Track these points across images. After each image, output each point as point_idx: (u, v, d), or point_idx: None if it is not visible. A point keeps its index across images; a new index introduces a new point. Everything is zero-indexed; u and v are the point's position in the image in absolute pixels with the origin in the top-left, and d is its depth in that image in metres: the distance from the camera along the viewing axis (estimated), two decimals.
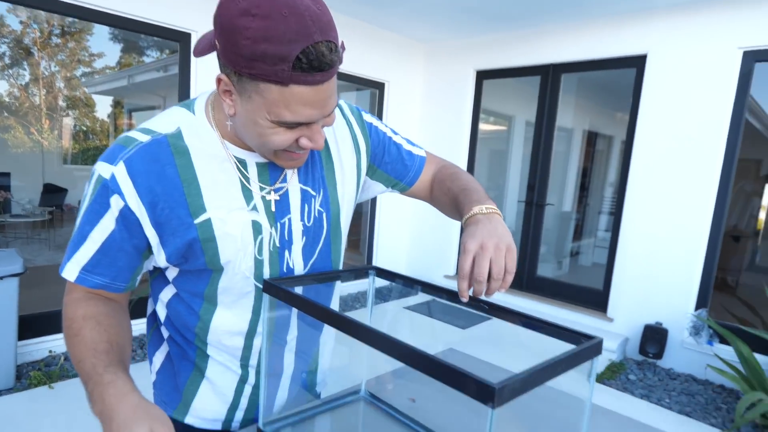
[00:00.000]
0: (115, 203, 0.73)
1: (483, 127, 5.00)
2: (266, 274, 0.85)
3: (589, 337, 0.66)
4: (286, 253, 0.87)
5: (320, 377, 1.06)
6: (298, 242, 0.88)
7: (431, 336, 3.88)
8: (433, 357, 0.55)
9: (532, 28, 4.27)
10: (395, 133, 1.03)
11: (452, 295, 0.81)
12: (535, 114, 4.44)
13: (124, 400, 0.65)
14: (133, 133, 0.77)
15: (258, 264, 0.84)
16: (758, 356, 3.02)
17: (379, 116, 4.91)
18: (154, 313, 0.94)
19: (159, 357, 0.95)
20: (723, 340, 3.33)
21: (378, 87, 4.89)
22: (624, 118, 3.92)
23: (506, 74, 4.61)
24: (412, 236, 5.32)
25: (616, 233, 3.89)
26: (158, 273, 0.88)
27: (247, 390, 0.94)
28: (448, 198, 0.95)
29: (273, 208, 0.84)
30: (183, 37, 3.51)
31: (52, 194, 6.27)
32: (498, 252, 0.72)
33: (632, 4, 3.57)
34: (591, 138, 6.11)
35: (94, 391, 0.67)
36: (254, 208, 0.82)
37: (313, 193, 0.89)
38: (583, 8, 3.72)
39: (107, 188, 0.73)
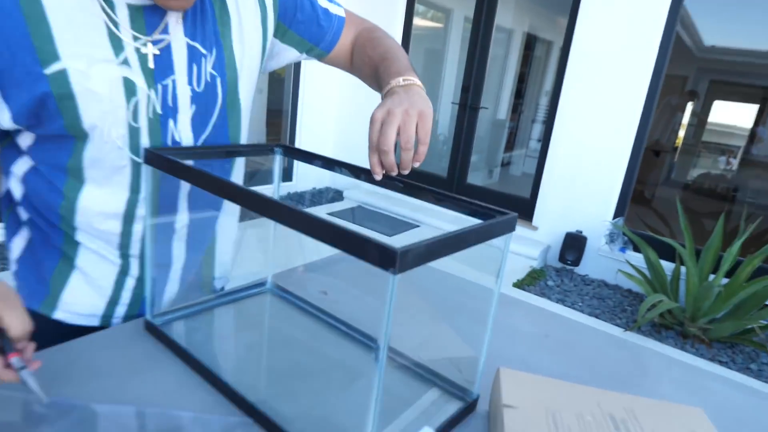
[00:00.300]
0: None
1: (418, 22, 4.69)
2: (144, 145, 0.72)
3: (503, 213, 0.58)
4: (171, 123, 0.74)
5: (219, 271, 0.94)
6: (185, 111, 0.74)
7: None
8: (338, 226, 0.45)
9: None
10: None
11: (369, 175, 0.71)
12: (474, 10, 4.17)
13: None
14: None
15: (133, 132, 0.71)
16: (664, 263, 3.23)
17: None
18: (9, 192, 0.77)
19: (18, 243, 0.80)
20: (636, 249, 3.53)
21: None
22: (564, 22, 3.78)
23: None
24: (339, 116, 4.89)
25: (547, 142, 3.90)
26: (8, 141, 0.72)
27: (129, 283, 0.82)
28: (369, 67, 0.85)
29: (151, 65, 0.69)
30: None
31: None
32: (408, 118, 0.66)
33: None
34: (530, 41, 5.91)
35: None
36: (125, 62, 0.67)
37: (204, 51, 0.74)
38: None
39: None
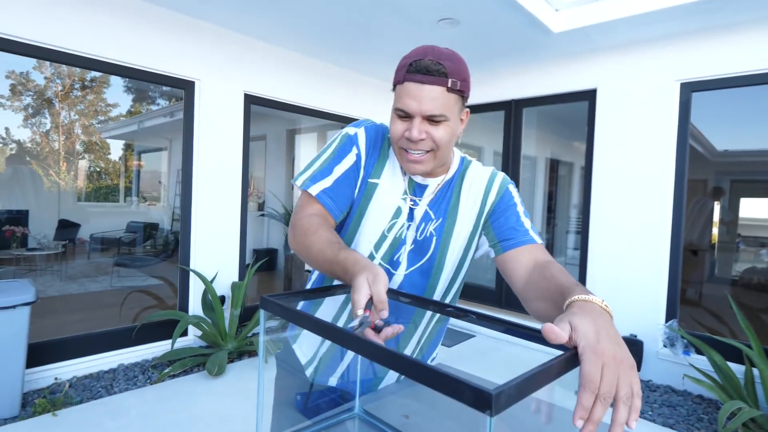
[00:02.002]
0: (354, 150, 1.00)
1: None
2: (382, 251, 1.00)
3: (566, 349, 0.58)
4: (402, 249, 1.01)
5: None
6: (408, 245, 1.02)
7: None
8: (430, 366, 0.46)
9: (493, 71, 4.40)
10: (526, 215, 1.04)
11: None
12: (501, 145, 4.54)
13: (361, 258, 0.79)
14: (370, 120, 1.07)
15: (382, 238, 1.01)
16: (731, 365, 2.91)
17: None
18: None
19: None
20: (697, 351, 3.22)
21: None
22: (581, 146, 3.95)
23: (474, 110, 4.65)
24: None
25: (585, 251, 3.83)
26: None
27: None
28: (551, 284, 0.80)
29: (408, 211, 1.02)
30: (188, 85, 3.50)
31: (66, 229, 6.12)
32: (623, 369, 0.55)
33: (580, 45, 3.68)
34: (553, 165, 6.18)
35: (348, 257, 0.80)
36: (403, 200, 1.01)
37: (433, 217, 1.02)
38: (537, 51, 3.86)
39: (352, 140, 1.01)
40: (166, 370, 3.02)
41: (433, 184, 1.03)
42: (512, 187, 1.06)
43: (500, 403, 0.41)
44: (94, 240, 6.39)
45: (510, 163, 4.43)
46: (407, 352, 1.09)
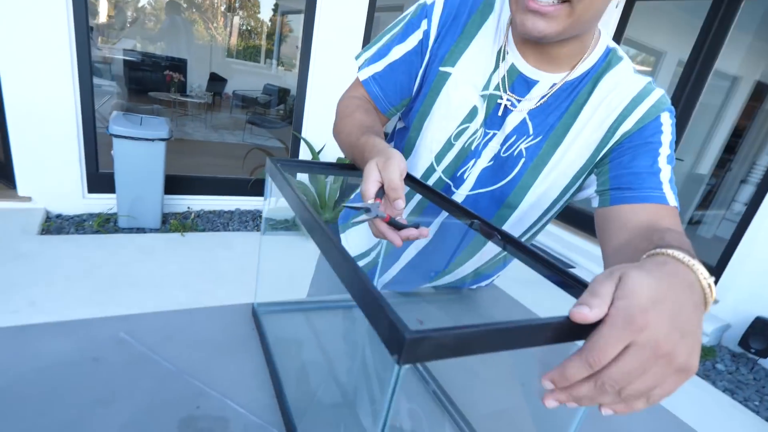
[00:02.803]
0: (423, 26, 0.73)
1: None
2: (445, 163, 0.78)
3: None
4: (472, 163, 0.77)
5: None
6: (483, 162, 0.76)
7: None
8: (366, 285, 0.35)
9: None
10: (670, 161, 0.67)
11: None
12: (690, 51, 3.21)
13: (379, 143, 0.64)
14: None
15: (447, 146, 0.77)
16: None
17: None
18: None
19: None
20: None
21: None
22: None
23: None
24: None
25: (755, 207, 2.96)
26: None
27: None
28: (650, 246, 0.49)
29: (489, 111, 0.74)
30: None
31: (215, 82, 6.62)
32: (664, 367, 0.34)
33: None
34: (760, 90, 4.45)
35: (364, 146, 0.66)
36: (483, 98, 0.73)
37: (531, 131, 0.72)
38: None
39: (425, 11, 0.74)
40: (271, 223, 3.30)
41: (547, 83, 0.70)
42: (667, 117, 0.68)
43: (415, 352, 0.30)
44: (236, 96, 6.89)
45: (693, 78, 3.21)
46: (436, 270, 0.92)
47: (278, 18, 8.27)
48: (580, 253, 3.69)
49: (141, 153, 2.74)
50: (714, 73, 3.17)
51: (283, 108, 6.63)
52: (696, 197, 4.71)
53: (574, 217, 4.00)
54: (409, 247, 0.89)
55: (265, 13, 8.60)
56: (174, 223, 3.04)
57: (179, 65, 6.18)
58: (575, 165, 0.72)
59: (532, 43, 0.68)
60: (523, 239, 0.83)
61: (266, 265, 0.79)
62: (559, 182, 0.74)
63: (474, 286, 1.01)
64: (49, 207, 2.87)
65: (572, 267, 3.63)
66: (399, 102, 0.79)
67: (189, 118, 6.06)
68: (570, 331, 0.35)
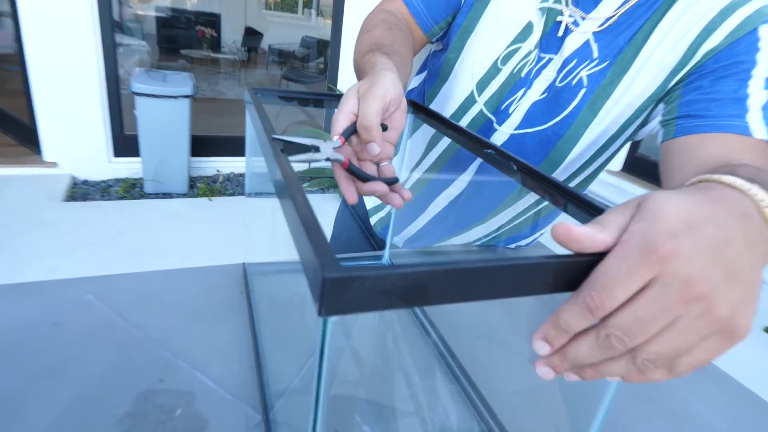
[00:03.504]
0: None
1: None
2: (488, 92, 0.70)
3: None
4: (520, 94, 0.68)
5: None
6: (534, 93, 0.68)
7: None
8: (295, 195, 0.27)
9: None
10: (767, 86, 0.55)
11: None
12: None
13: (379, 63, 0.55)
14: None
15: (491, 72, 0.69)
16: None
17: None
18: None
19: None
20: None
21: None
22: None
23: None
24: None
25: None
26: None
27: None
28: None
29: (546, 30, 0.65)
30: None
31: (251, 37, 6.65)
32: (698, 314, 0.25)
33: None
34: None
35: (365, 65, 0.58)
36: (540, 11, 0.65)
37: (596, 54, 0.64)
38: None
39: None
40: (305, 184, 3.29)
41: (616, 0, 0.62)
42: (765, 28, 0.55)
43: (342, 298, 0.21)
44: (272, 51, 6.88)
45: None
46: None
47: None
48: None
49: (164, 112, 2.77)
50: None
51: (323, 61, 6.56)
52: None
53: (643, 167, 3.68)
54: (439, 196, 0.81)
55: None
56: (201, 187, 3.10)
57: (212, 20, 6.25)
58: (643, 94, 0.63)
59: None
60: (571, 184, 0.73)
61: (254, 224, 0.73)
62: (623, 115, 0.65)
63: (513, 245, 0.94)
64: (75, 173, 3.01)
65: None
66: (444, 18, 0.71)
67: (222, 75, 6.15)
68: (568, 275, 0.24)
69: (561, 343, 0.27)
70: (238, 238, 2.58)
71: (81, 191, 2.88)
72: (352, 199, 0.47)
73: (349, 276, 0.21)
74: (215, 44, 6.23)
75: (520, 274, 0.24)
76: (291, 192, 0.29)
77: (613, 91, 0.64)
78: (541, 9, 0.65)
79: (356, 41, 0.69)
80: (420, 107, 0.64)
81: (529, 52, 0.66)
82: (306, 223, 0.25)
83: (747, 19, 0.56)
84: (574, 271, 0.25)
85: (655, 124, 0.63)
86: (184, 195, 3.05)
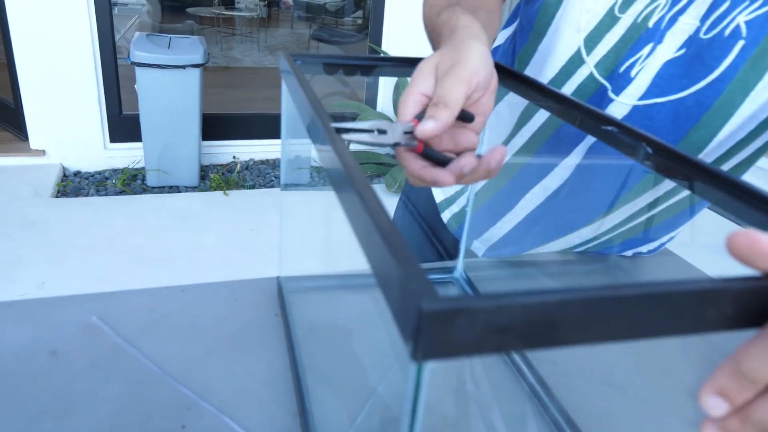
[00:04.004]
0: None
1: None
2: (601, 50, 0.67)
3: None
4: (647, 49, 0.65)
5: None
6: (668, 48, 0.64)
7: None
8: (374, 206, 0.27)
9: None
10: None
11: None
12: None
13: (462, 29, 0.54)
14: None
15: (605, 23, 0.66)
16: None
17: None
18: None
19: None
20: None
21: None
22: None
23: None
24: None
25: None
26: None
27: None
28: None
29: None
30: None
31: None
32: None
33: None
34: None
35: (442, 27, 0.58)
36: None
37: None
38: None
39: None
40: (302, 167, 3.32)
41: None
42: None
43: (444, 338, 0.21)
44: (298, 5, 6.98)
45: None
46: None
47: None
48: None
49: (170, 85, 2.87)
50: None
51: (361, 16, 6.59)
52: None
53: None
54: (533, 189, 0.80)
55: None
56: (215, 178, 3.18)
57: None
58: None
59: None
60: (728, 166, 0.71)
61: (293, 226, 0.74)
62: None
63: (630, 252, 0.91)
64: (65, 162, 3.16)
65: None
66: None
67: (238, 38, 6.30)
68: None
69: (744, 399, 0.25)
70: (264, 243, 2.63)
71: (72, 185, 3.03)
72: (450, 181, 0.47)
73: (455, 308, 0.20)
74: (228, 0, 6.39)
75: (687, 305, 0.22)
76: (358, 189, 0.28)
77: None
78: None
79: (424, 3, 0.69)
80: (507, 71, 0.62)
81: None
82: (385, 233, 0.24)
83: None
84: (766, 300, 0.23)
85: None
86: (194, 188, 3.14)
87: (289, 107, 0.60)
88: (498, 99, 0.77)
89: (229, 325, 0.71)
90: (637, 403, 0.59)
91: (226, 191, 3.11)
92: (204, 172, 3.30)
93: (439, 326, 0.20)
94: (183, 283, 0.77)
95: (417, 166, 0.48)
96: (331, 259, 1.01)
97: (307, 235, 0.79)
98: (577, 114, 0.52)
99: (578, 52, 0.69)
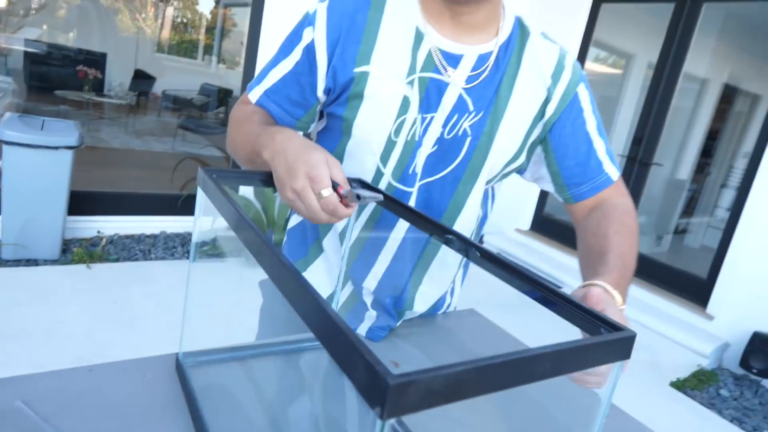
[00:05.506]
0: (307, 36, 0.81)
1: (592, 66, 4.37)
2: (392, 163, 0.83)
3: (615, 328, 0.41)
4: (418, 154, 0.83)
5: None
6: (427, 147, 0.83)
7: None
8: (334, 318, 0.32)
9: None
10: (600, 131, 0.88)
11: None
12: (659, 54, 3.83)
13: (294, 139, 0.69)
14: None
15: (389, 146, 0.82)
16: None
17: None
18: None
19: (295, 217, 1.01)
20: None
21: None
22: None
23: None
24: None
25: (738, 213, 3.31)
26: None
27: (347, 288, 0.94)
28: (597, 245, 0.77)
29: (422, 95, 0.81)
30: None
31: (141, 80, 6.52)
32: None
33: None
34: (728, 94, 5.31)
35: (263, 139, 0.72)
36: (411, 83, 0.80)
37: (471, 107, 0.82)
38: None
39: (306, 21, 0.82)
40: (205, 248, 3.21)
41: (472, 55, 0.81)
42: (583, 88, 0.86)
43: (402, 402, 0.27)
44: (166, 97, 6.79)
45: (663, 82, 3.78)
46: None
47: (220, 10, 8.30)
48: (567, 271, 3.84)
49: (40, 164, 2.61)
50: (683, 76, 3.73)
51: (224, 111, 6.58)
52: (678, 204, 5.31)
53: (558, 230, 4.27)
54: (368, 276, 0.91)
55: (205, 5, 8.62)
56: (78, 251, 2.89)
57: (97, 60, 6.06)
58: (520, 135, 0.85)
59: (448, 16, 0.80)
60: (473, 231, 0.93)
61: (196, 302, 0.73)
62: (508, 154, 0.86)
63: (440, 312, 1.04)
64: None
65: (559, 287, 3.72)
66: (304, 113, 0.86)
67: (106, 121, 5.91)
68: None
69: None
70: (125, 314, 2.42)
71: None
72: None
73: (410, 381, 0.26)
74: (99, 86, 6.02)
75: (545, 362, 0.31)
76: (323, 308, 0.33)
77: (494, 136, 0.83)
78: (409, 82, 0.80)
79: (234, 129, 0.84)
80: (363, 182, 0.75)
81: (414, 119, 0.81)
82: (350, 337, 0.30)
83: (573, 74, 0.85)
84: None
85: (543, 184, 0.91)
86: (54, 261, 2.82)
87: (205, 207, 0.63)
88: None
89: (135, 401, 0.67)
90: None
91: (89, 264, 2.84)
92: (66, 245, 2.98)
93: (398, 394, 0.26)
94: (47, 362, 0.71)
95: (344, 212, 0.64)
96: (233, 331, 1.00)
97: (211, 310, 0.79)
98: (396, 206, 0.69)
99: (378, 168, 0.84)
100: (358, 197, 0.62)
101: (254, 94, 0.85)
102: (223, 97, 6.61)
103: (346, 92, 0.80)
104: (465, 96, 0.81)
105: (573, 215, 0.90)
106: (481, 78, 0.81)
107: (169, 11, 8.34)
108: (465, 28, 0.80)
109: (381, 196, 0.66)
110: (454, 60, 0.81)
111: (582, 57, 4.23)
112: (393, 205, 0.71)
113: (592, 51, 4.29)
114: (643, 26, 4.45)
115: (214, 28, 8.39)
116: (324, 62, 0.80)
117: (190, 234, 3.47)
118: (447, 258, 0.92)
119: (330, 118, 0.86)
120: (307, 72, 0.82)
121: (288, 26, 0.86)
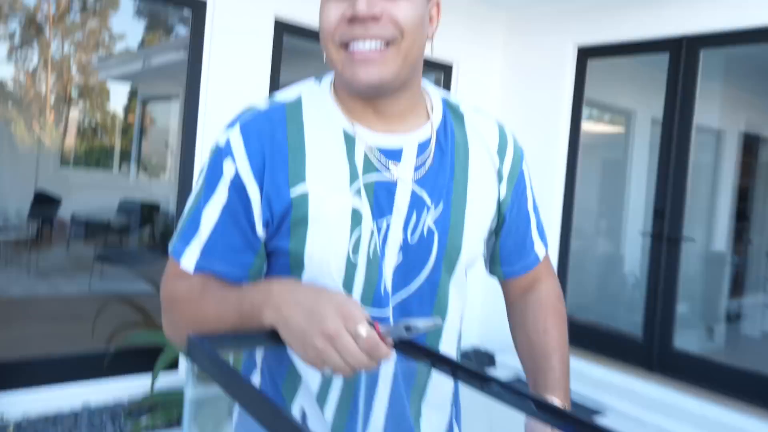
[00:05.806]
0: (228, 169, 0.83)
1: (589, 127, 4.58)
2: (358, 286, 0.86)
3: None
4: (383, 270, 0.87)
5: None
6: (391, 258, 0.88)
7: None
8: None
9: None
10: (535, 210, 1.04)
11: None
12: (663, 108, 4.01)
13: (294, 282, 0.79)
14: (255, 103, 0.90)
15: (350, 271, 0.85)
16: None
17: None
18: None
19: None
20: None
21: (443, 70, 4.63)
22: None
23: (620, 51, 4.21)
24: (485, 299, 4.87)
25: None
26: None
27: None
28: (526, 347, 1.00)
29: (372, 202, 0.85)
30: (195, 5, 3.47)
31: (43, 205, 6.46)
32: None
33: None
34: (750, 143, 5.59)
35: (250, 301, 0.76)
36: (357, 193, 0.85)
37: (429, 201, 0.88)
38: None
39: (221, 153, 0.84)
40: (144, 421, 3.04)
41: (411, 145, 0.89)
42: (525, 165, 1.01)
43: None
44: (76, 223, 6.73)
45: (675, 136, 3.93)
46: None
47: (137, 108, 8.51)
48: (612, 391, 3.71)
49: None
50: (696, 130, 3.92)
51: (150, 230, 6.55)
52: (723, 283, 5.26)
53: (601, 341, 4.18)
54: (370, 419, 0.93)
55: (117, 101, 8.83)
56: None
57: None
58: (487, 215, 0.95)
59: (371, 111, 0.87)
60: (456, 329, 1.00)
61: None
62: (480, 239, 0.96)
63: None
64: None
65: (597, 412, 3.61)
66: (254, 256, 0.87)
67: (0, 263, 5.78)
68: None
69: None
70: None
71: None
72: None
73: None
74: None
75: None
76: None
77: (463, 224, 0.90)
78: (355, 193, 0.84)
79: (185, 309, 0.86)
80: None
81: (371, 231, 0.85)
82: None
83: (516, 151, 0.97)
84: None
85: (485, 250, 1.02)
86: None
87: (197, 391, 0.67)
88: None
89: None
90: None
91: None
92: None
93: None
94: None
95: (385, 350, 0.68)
96: None
97: None
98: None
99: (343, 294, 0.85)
100: (408, 329, 0.66)
101: (188, 261, 0.85)
102: (149, 214, 6.61)
103: (286, 221, 0.83)
104: (418, 190, 0.87)
105: (506, 292, 1.06)
106: (426, 166, 0.88)
107: (74, 114, 8.48)
108: (393, 118, 0.88)
109: (439, 320, 0.78)
110: (394, 155, 0.87)
111: (575, 118, 4.45)
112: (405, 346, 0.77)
113: (586, 110, 4.54)
114: (639, 79, 4.76)
115: (131, 129, 8.53)
116: (256, 193, 0.83)
117: (121, 405, 3.29)
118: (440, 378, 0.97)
119: (274, 255, 0.88)
120: (241, 210, 0.84)
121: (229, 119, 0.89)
